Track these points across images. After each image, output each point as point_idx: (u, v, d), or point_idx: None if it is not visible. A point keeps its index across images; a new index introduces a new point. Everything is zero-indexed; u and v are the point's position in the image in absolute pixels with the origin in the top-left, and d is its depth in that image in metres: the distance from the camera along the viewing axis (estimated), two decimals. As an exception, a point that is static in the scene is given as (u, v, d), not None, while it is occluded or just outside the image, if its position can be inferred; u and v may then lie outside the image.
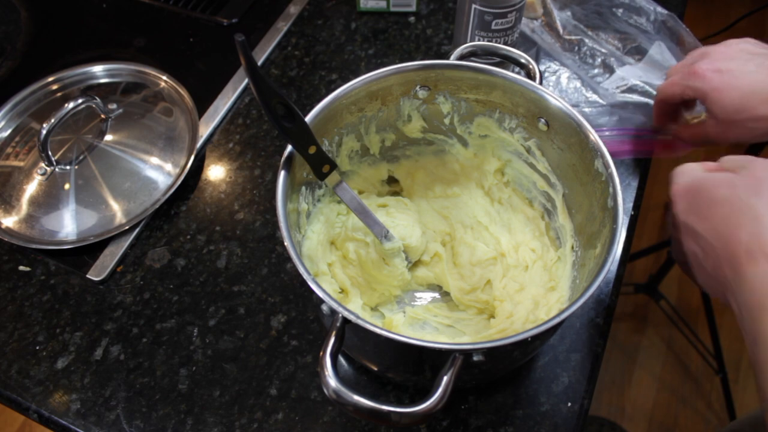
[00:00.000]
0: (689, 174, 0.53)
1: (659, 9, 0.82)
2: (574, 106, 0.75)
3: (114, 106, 0.78)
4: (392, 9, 0.91)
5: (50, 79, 0.82)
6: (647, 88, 0.75)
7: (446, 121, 0.65)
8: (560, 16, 0.83)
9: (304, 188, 0.60)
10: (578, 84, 0.78)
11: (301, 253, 0.57)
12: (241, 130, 0.80)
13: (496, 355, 0.50)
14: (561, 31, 0.82)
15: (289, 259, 0.58)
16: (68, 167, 0.73)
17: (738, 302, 0.43)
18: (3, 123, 0.78)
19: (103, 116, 0.77)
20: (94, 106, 0.75)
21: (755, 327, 0.41)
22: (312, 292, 0.46)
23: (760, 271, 0.41)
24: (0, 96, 0.80)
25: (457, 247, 0.66)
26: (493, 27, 0.74)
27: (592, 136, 0.54)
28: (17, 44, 0.90)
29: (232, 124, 0.80)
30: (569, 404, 0.59)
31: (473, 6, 0.73)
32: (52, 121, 0.69)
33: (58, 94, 0.81)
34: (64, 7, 0.95)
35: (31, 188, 0.72)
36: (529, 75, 0.60)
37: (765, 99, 0.58)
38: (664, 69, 0.77)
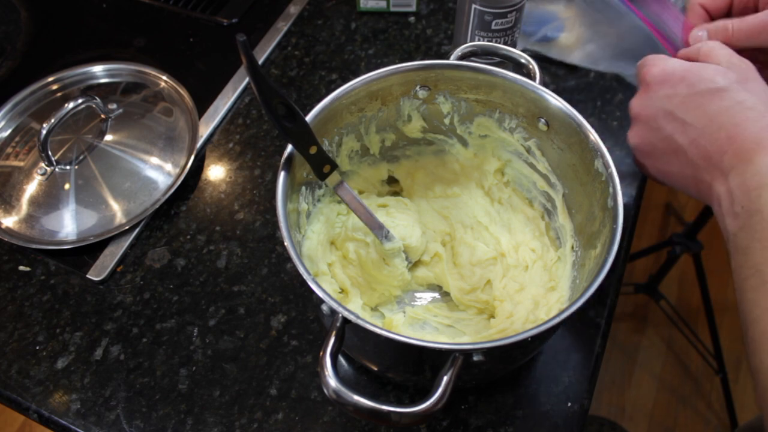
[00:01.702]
0: (665, 61, 0.52)
1: None
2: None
3: (114, 106, 0.78)
4: (392, 9, 0.91)
5: (50, 79, 0.82)
6: None
7: (446, 121, 0.65)
8: None
9: (304, 188, 0.60)
10: None
11: (301, 253, 0.57)
12: (241, 130, 0.80)
13: (496, 355, 0.50)
14: None
15: (289, 259, 0.58)
16: (68, 167, 0.73)
17: (733, 186, 0.45)
18: (3, 123, 0.78)
19: (103, 116, 0.77)
20: (94, 106, 0.75)
21: (752, 205, 0.43)
22: (312, 292, 0.46)
23: (767, 159, 0.44)
24: (0, 96, 0.80)
25: (457, 247, 0.66)
26: (493, 27, 0.74)
27: (592, 136, 0.54)
28: (17, 44, 0.90)
29: (232, 124, 0.80)
30: (569, 404, 0.59)
31: (473, 6, 0.73)
32: (52, 121, 0.69)
33: (58, 94, 0.81)
34: (64, 7, 0.95)
35: (31, 188, 0.72)
36: (529, 75, 0.60)
37: None
38: None
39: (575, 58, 0.83)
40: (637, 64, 0.54)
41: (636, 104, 0.54)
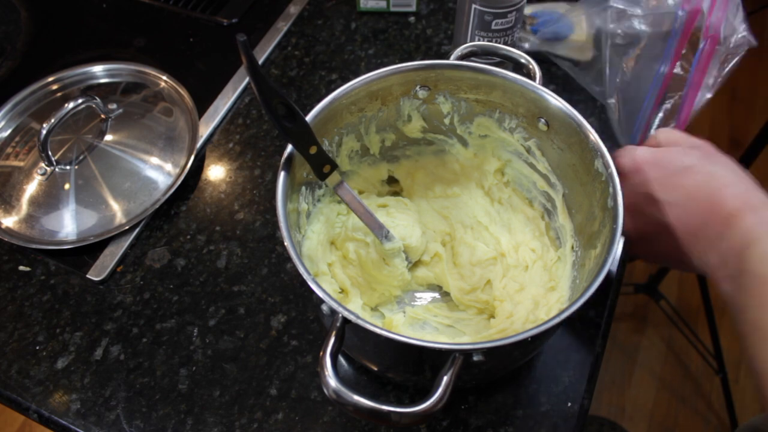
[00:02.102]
0: (633, 151, 0.56)
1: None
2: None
3: (114, 106, 0.78)
4: (392, 9, 0.91)
5: (50, 79, 0.82)
6: None
7: (446, 121, 0.65)
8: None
9: (304, 188, 0.60)
10: None
11: (301, 253, 0.57)
12: (241, 130, 0.80)
13: (496, 355, 0.50)
14: None
15: (289, 259, 0.58)
16: (68, 167, 0.73)
17: (722, 251, 0.48)
18: (3, 123, 0.78)
19: (103, 116, 0.77)
20: (94, 106, 0.75)
21: (741, 265, 0.45)
22: (312, 292, 0.46)
23: (749, 221, 0.46)
24: (0, 96, 0.80)
25: (457, 247, 0.66)
26: (493, 27, 0.74)
27: (591, 136, 0.54)
28: (17, 44, 0.90)
29: (232, 124, 0.80)
30: (569, 404, 0.59)
31: (473, 6, 0.73)
32: (52, 121, 0.69)
33: (58, 94, 0.81)
34: (64, 7, 0.95)
35: (31, 188, 0.72)
36: (529, 75, 0.60)
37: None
38: None
39: (589, 56, 0.82)
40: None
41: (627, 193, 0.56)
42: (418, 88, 0.61)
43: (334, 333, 0.44)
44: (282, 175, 0.53)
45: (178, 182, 0.72)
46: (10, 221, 0.70)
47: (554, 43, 0.82)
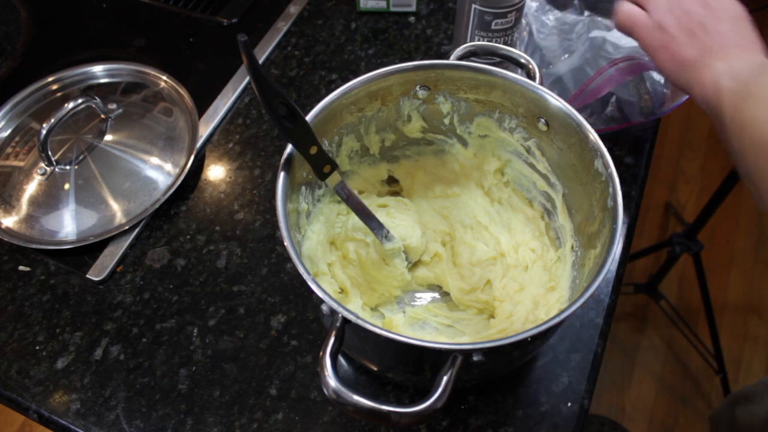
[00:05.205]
0: None
1: None
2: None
3: (114, 106, 0.78)
4: (392, 9, 0.91)
5: (50, 79, 0.82)
6: None
7: (446, 121, 0.65)
8: None
9: (304, 188, 0.60)
10: None
11: (301, 253, 0.57)
12: (241, 130, 0.80)
13: (496, 355, 0.49)
14: None
15: (289, 259, 0.58)
16: (68, 167, 0.73)
17: (734, 64, 0.51)
18: (3, 123, 0.78)
19: (103, 116, 0.77)
20: (94, 106, 0.75)
21: (760, 78, 0.49)
22: (312, 292, 0.46)
23: None
24: (0, 96, 0.80)
25: (457, 247, 0.66)
26: (493, 27, 0.74)
27: (591, 136, 0.54)
28: (17, 44, 0.90)
29: (232, 124, 0.81)
30: (569, 404, 0.59)
31: (473, 6, 0.73)
32: (52, 121, 0.70)
33: (58, 94, 0.81)
34: (64, 7, 0.95)
35: (31, 188, 0.72)
36: (529, 75, 0.60)
37: None
38: None
39: None
40: None
41: None
42: (418, 88, 0.61)
43: (334, 333, 0.44)
44: (282, 175, 0.53)
45: (178, 182, 0.72)
46: (10, 221, 0.70)
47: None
